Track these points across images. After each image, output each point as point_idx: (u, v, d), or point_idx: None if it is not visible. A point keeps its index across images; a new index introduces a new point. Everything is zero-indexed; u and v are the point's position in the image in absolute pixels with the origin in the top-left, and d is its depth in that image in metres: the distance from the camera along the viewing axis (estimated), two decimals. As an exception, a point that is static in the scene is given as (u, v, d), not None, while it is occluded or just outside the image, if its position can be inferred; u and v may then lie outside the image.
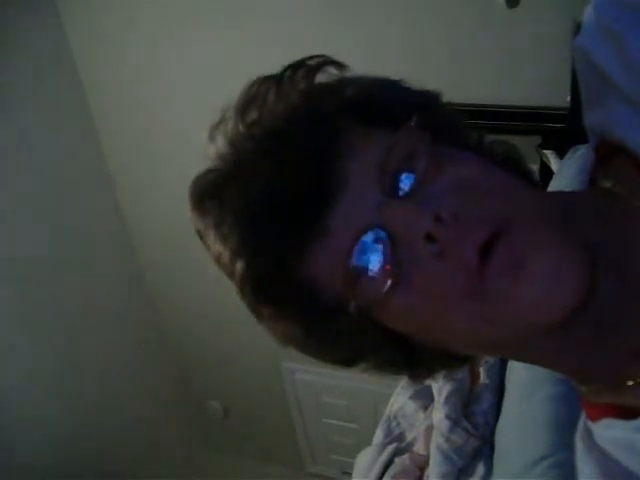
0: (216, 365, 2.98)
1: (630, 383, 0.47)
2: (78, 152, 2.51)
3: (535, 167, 1.77)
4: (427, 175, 0.45)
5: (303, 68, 0.50)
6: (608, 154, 0.52)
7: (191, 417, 3.28)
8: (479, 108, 1.81)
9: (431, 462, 1.48)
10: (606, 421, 0.48)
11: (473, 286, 0.43)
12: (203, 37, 2.15)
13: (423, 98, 0.52)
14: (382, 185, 0.45)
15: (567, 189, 1.39)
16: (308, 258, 0.46)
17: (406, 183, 0.45)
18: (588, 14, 0.51)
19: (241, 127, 0.48)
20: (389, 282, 0.44)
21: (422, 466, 1.54)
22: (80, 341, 2.54)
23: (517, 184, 0.47)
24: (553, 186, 1.55)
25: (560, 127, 1.70)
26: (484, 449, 1.45)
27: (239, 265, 0.47)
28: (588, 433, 0.49)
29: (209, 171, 0.49)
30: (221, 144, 0.48)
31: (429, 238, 0.43)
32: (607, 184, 0.50)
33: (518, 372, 1.31)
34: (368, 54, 1.92)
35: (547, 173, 1.71)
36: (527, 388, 1.22)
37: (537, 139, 1.76)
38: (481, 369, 1.57)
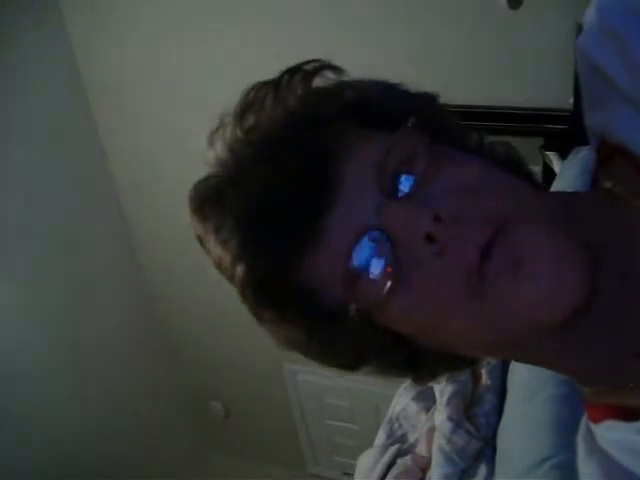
0: (218, 366, 2.99)
1: (632, 385, 0.47)
2: (79, 152, 2.52)
3: (538, 168, 1.77)
4: (426, 176, 0.45)
5: (300, 73, 0.50)
6: (609, 155, 0.52)
7: (192, 418, 3.28)
8: (482, 109, 1.81)
9: (433, 463, 1.48)
10: (608, 423, 0.47)
11: (473, 286, 0.43)
12: (203, 37, 2.15)
13: (421, 100, 0.52)
14: (381, 186, 0.45)
15: (569, 190, 1.39)
16: (308, 261, 0.46)
17: (405, 184, 0.45)
18: (590, 16, 0.51)
19: (239, 133, 0.48)
20: (389, 283, 0.44)
21: (424, 467, 1.54)
22: (81, 341, 2.55)
23: (518, 184, 0.47)
24: (555, 187, 1.55)
25: (562, 128, 1.70)
26: (486, 450, 1.45)
27: (239, 269, 0.47)
28: (590, 435, 0.49)
29: (209, 177, 0.49)
30: (220, 150, 0.49)
31: (429, 239, 0.43)
32: (608, 185, 0.50)
33: (520, 373, 1.31)
34: (369, 55, 1.92)
35: (550, 174, 1.71)
36: (529, 389, 1.22)
37: (540, 140, 1.76)
38: (483, 371, 1.57)
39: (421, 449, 1.60)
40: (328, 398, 2.78)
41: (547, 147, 1.74)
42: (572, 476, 0.51)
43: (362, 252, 0.45)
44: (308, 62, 0.51)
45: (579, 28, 0.52)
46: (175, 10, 2.14)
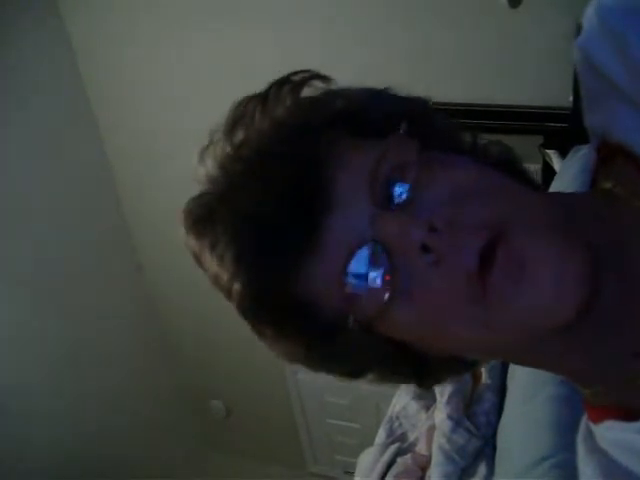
0: (218, 365, 2.98)
1: (632, 385, 0.47)
2: (79, 152, 2.52)
3: (537, 167, 1.77)
4: (419, 183, 0.44)
5: (288, 84, 0.49)
6: (610, 155, 0.52)
7: (193, 417, 3.28)
8: (481, 108, 1.81)
9: (433, 462, 1.48)
10: (608, 423, 0.47)
11: (474, 292, 0.42)
12: (204, 37, 2.15)
13: (411, 105, 0.51)
14: (374, 196, 0.44)
15: (569, 189, 1.39)
16: (303, 276, 0.45)
17: (398, 193, 0.44)
18: (589, 15, 0.51)
19: (229, 149, 0.48)
20: (387, 295, 0.44)
21: (424, 466, 1.54)
22: (81, 341, 2.54)
23: (514, 186, 0.47)
24: (555, 186, 1.55)
25: (562, 127, 1.70)
26: (486, 449, 1.45)
27: (236, 285, 0.47)
28: (590, 435, 0.49)
29: (201, 195, 0.49)
30: (211, 167, 0.48)
31: (425, 249, 0.42)
32: (608, 185, 0.50)
33: (520, 372, 1.31)
34: (368, 55, 1.93)
35: (549, 173, 1.71)
36: (529, 389, 1.22)
37: (539, 139, 1.76)
38: (483, 370, 1.57)
39: (421, 448, 1.61)
40: (329, 397, 2.78)
41: (547, 145, 1.74)
42: (572, 475, 0.51)
43: (358, 265, 0.44)
44: (296, 73, 0.50)
45: (579, 27, 0.52)
46: (175, 10, 2.14)
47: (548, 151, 1.73)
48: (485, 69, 1.81)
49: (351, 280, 0.45)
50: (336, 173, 0.45)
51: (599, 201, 0.50)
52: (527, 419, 1.19)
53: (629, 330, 0.46)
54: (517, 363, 0.59)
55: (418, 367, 0.52)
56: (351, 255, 0.44)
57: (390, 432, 1.74)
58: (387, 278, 0.44)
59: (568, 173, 1.51)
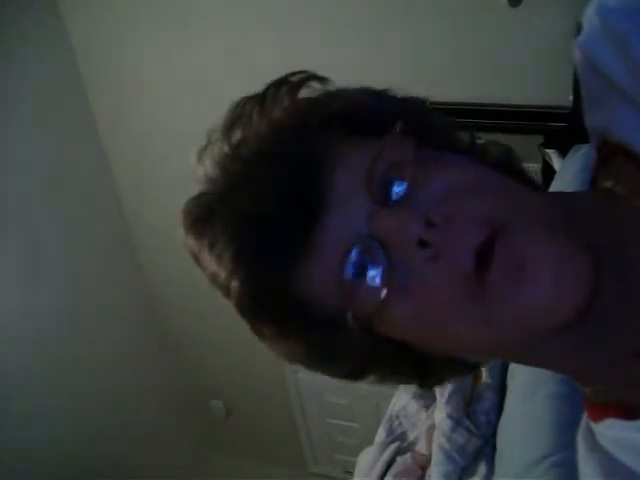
0: (218, 365, 2.98)
1: (632, 384, 0.47)
2: (79, 152, 2.52)
3: (537, 166, 1.77)
4: (416, 180, 0.44)
5: (286, 85, 0.49)
6: (610, 154, 0.52)
7: (193, 417, 3.28)
8: (481, 107, 1.81)
9: (433, 461, 1.48)
10: (608, 421, 0.47)
11: (472, 291, 0.42)
12: (203, 37, 2.15)
13: (407, 104, 0.51)
14: (371, 194, 0.45)
15: (569, 188, 1.39)
16: (302, 274, 0.45)
17: (395, 190, 0.44)
18: (590, 15, 0.50)
19: (227, 148, 0.48)
20: (385, 291, 0.44)
21: (424, 465, 1.54)
22: (81, 341, 2.54)
23: (513, 185, 0.47)
24: (555, 185, 1.55)
25: (562, 126, 1.70)
26: (486, 448, 1.45)
27: (234, 283, 0.47)
28: (590, 433, 0.49)
29: (199, 195, 0.49)
30: (209, 167, 0.49)
31: (422, 244, 0.42)
32: (608, 184, 0.50)
33: (520, 371, 1.31)
34: (368, 55, 1.93)
35: (549, 172, 1.71)
36: (529, 387, 1.22)
37: (539, 138, 1.76)
38: (483, 369, 1.57)
39: (421, 447, 1.61)
40: (328, 396, 2.78)
41: (547, 145, 1.74)
42: (572, 474, 0.51)
43: (356, 261, 0.44)
44: (294, 74, 0.50)
45: (579, 26, 0.52)
46: (175, 10, 2.14)
47: (548, 150, 1.73)
48: (485, 68, 1.81)
49: (349, 277, 0.45)
50: (333, 172, 0.45)
51: (599, 200, 0.50)
52: (527, 418, 1.19)
53: (629, 330, 0.46)
54: (517, 362, 0.59)
55: (419, 368, 0.51)
56: (348, 252, 0.44)
57: (390, 431, 1.74)
58: (384, 274, 0.44)
59: (568, 172, 1.51)
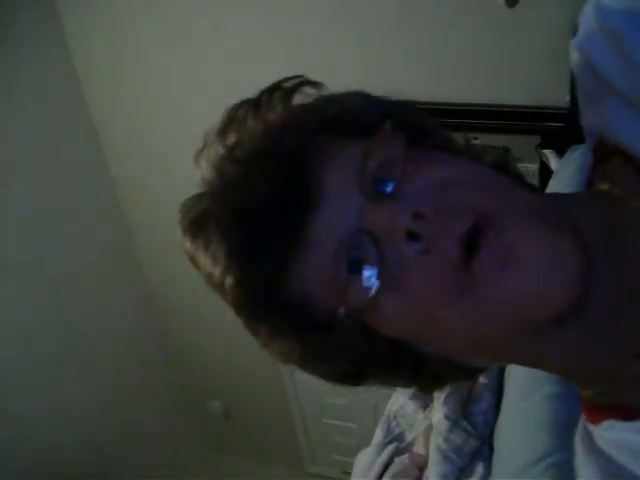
0: (216, 365, 2.98)
1: (631, 385, 0.47)
2: (78, 151, 2.51)
3: (535, 167, 1.77)
4: (406, 176, 0.45)
5: (279, 90, 0.50)
6: (606, 155, 0.52)
7: (191, 417, 3.27)
8: (478, 108, 1.81)
9: (430, 462, 1.48)
10: (607, 423, 0.47)
11: (462, 280, 0.42)
12: (201, 37, 2.15)
13: (397, 106, 0.52)
14: (362, 190, 0.45)
15: (566, 188, 1.39)
16: (294, 269, 0.46)
17: (385, 186, 0.45)
18: (587, 15, 0.50)
19: (222, 150, 0.49)
20: (376, 285, 0.44)
21: (421, 466, 1.54)
22: (81, 341, 2.54)
23: (505, 180, 0.47)
24: (552, 185, 1.55)
25: (559, 126, 1.70)
26: (483, 449, 1.45)
27: (229, 280, 0.47)
28: (588, 435, 0.49)
29: (195, 196, 0.50)
30: (205, 169, 0.49)
31: (412, 236, 0.43)
32: (604, 186, 0.50)
33: (517, 372, 1.31)
34: (367, 55, 1.93)
35: (546, 173, 1.71)
36: (526, 388, 1.22)
37: (536, 139, 1.76)
38: (480, 369, 1.56)
39: (418, 448, 1.61)
40: (326, 397, 2.78)
41: (544, 145, 1.74)
42: (569, 475, 0.51)
43: (347, 256, 0.45)
44: (287, 79, 0.51)
45: (575, 26, 0.52)
46: (173, 10, 2.13)
47: (545, 151, 1.73)
48: (482, 69, 1.81)
49: (341, 271, 0.45)
50: (325, 170, 0.46)
51: (595, 201, 0.50)
52: (524, 418, 1.19)
53: (627, 331, 0.46)
54: (515, 362, 0.59)
55: (416, 370, 0.51)
56: (340, 246, 0.45)
57: (387, 432, 1.74)
58: (375, 268, 0.44)
59: (565, 173, 1.51)
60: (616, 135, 0.50)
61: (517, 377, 1.30)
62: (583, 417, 0.50)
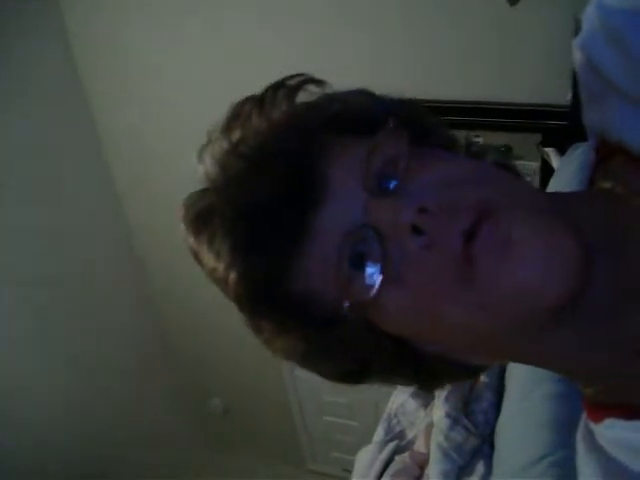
0: (216, 363, 2.99)
1: (633, 383, 0.47)
2: (79, 151, 2.51)
3: (536, 165, 1.77)
4: (410, 173, 0.45)
5: (284, 88, 0.51)
6: (609, 154, 0.52)
7: (192, 415, 3.28)
8: (480, 105, 1.81)
9: (431, 460, 1.48)
10: (608, 421, 0.47)
11: (463, 273, 0.42)
12: (203, 35, 2.15)
13: (401, 104, 0.53)
14: (366, 186, 0.45)
15: (567, 186, 1.39)
16: (299, 264, 0.46)
17: (389, 182, 0.45)
18: (590, 14, 0.50)
19: (226, 146, 0.49)
20: (380, 279, 0.44)
21: (422, 464, 1.54)
22: (80, 341, 2.54)
23: (507, 176, 0.48)
24: (553, 183, 1.55)
25: (561, 124, 1.70)
26: (484, 448, 1.45)
27: (232, 276, 0.47)
28: (589, 433, 0.49)
29: (199, 192, 0.50)
30: (209, 165, 0.49)
31: (416, 231, 0.43)
32: (607, 184, 0.50)
33: (517, 370, 1.31)
34: (368, 54, 1.92)
35: (548, 171, 1.71)
36: (526, 386, 1.22)
37: (538, 137, 1.76)
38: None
39: (419, 445, 1.61)
40: (326, 394, 2.78)
41: (545, 143, 1.74)
42: (570, 474, 0.51)
43: (351, 250, 0.45)
44: (291, 77, 0.51)
45: (577, 23, 0.52)
46: (174, 8, 2.13)
47: (546, 149, 1.73)
48: (484, 67, 1.81)
49: (344, 265, 0.45)
50: (330, 166, 0.46)
51: (596, 200, 0.50)
52: (525, 417, 1.19)
53: (628, 329, 0.46)
54: (516, 360, 0.59)
55: (417, 368, 0.51)
56: (343, 241, 0.45)
57: (388, 430, 1.74)
58: (379, 263, 0.44)
59: (566, 171, 1.51)
60: (618, 134, 0.50)
61: (518, 376, 1.31)
62: (585, 415, 0.50)
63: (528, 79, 1.76)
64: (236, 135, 0.49)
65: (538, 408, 1.14)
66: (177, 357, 3.07)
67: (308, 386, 2.78)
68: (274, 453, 3.15)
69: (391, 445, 1.66)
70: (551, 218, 0.44)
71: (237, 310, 0.51)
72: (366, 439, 1.83)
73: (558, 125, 1.71)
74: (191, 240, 0.50)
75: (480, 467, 1.41)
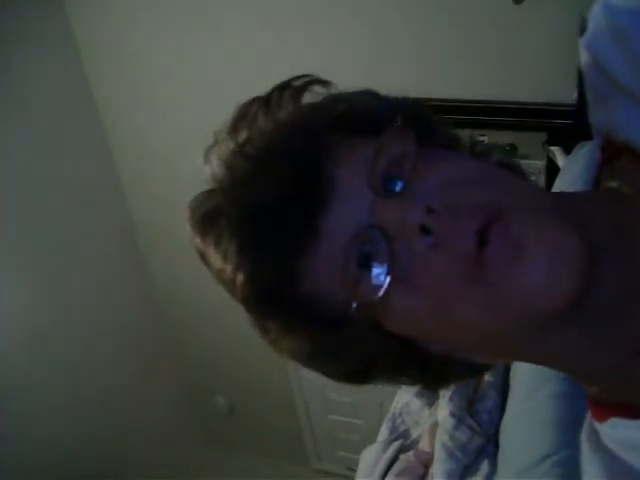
0: (221, 362, 2.99)
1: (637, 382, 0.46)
2: (83, 151, 2.51)
3: (541, 163, 1.77)
4: (417, 173, 0.45)
5: (289, 89, 0.51)
6: (615, 153, 0.51)
7: (196, 414, 3.28)
8: (485, 104, 1.81)
9: (435, 459, 1.48)
10: (613, 421, 0.47)
11: (473, 272, 0.43)
12: (207, 36, 2.15)
13: (406, 104, 0.53)
14: (373, 186, 0.46)
15: (573, 185, 1.39)
16: (306, 264, 0.46)
17: (396, 183, 0.45)
18: (596, 14, 0.50)
19: (233, 147, 0.49)
20: (387, 280, 0.44)
21: (427, 463, 1.54)
22: (82, 340, 2.54)
23: (511, 176, 0.48)
24: (559, 182, 1.55)
25: (566, 123, 1.70)
26: (488, 447, 1.45)
27: (240, 277, 0.47)
28: (594, 433, 0.49)
29: (205, 192, 0.50)
30: (216, 165, 0.49)
31: (424, 231, 0.43)
32: (613, 184, 0.50)
33: (522, 370, 1.31)
34: (375, 53, 1.92)
35: (553, 170, 1.70)
36: (531, 386, 1.22)
37: (543, 136, 1.76)
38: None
39: (424, 445, 1.61)
40: (332, 393, 2.78)
41: (551, 142, 1.74)
42: (574, 473, 0.50)
43: (359, 251, 0.45)
44: (297, 78, 0.51)
45: (583, 22, 0.52)
46: (179, 8, 2.14)
47: (552, 148, 1.73)
48: (489, 65, 1.81)
49: (352, 266, 0.45)
50: (336, 167, 0.46)
51: (602, 199, 0.50)
52: (529, 416, 1.19)
53: (630, 330, 0.46)
54: (521, 359, 0.59)
55: (423, 368, 0.51)
56: (351, 242, 0.45)
57: (393, 429, 1.74)
58: (387, 263, 0.44)
59: (572, 170, 1.51)
60: (625, 133, 0.50)
61: (522, 375, 1.30)
62: (589, 415, 0.50)
63: (533, 78, 1.75)
64: (242, 136, 0.49)
65: (542, 407, 1.14)
66: (180, 355, 3.07)
67: (313, 384, 2.78)
68: (279, 452, 3.15)
69: (395, 444, 1.66)
70: (555, 218, 0.44)
71: (243, 310, 0.51)
72: (371, 438, 1.83)
73: (564, 124, 1.71)
74: (198, 241, 0.50)
75: (485, 466, 1.41)
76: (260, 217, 0.46)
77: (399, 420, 1.75)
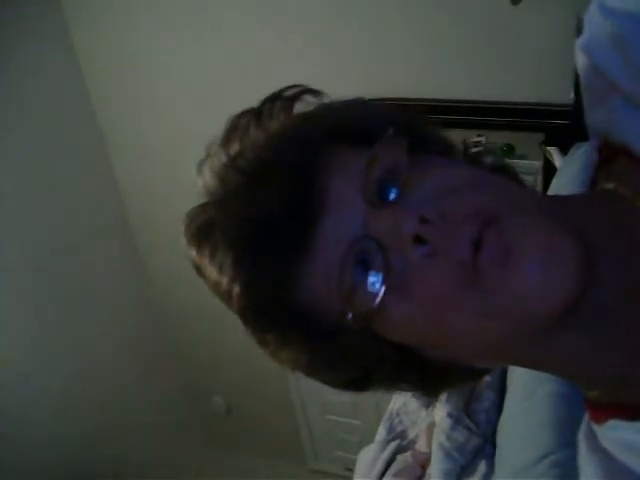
0: (219, 362, 2.99)
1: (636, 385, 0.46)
2: (81, 153, 2.51)
3: (538, 164, 1.77)
4: (410, 182, 0.45)
5: (281, 100, 0.51)
6: (612, 155, 0.51)
7: (194, 414, 3.28)
8: (482, 105, 1.81)
9: (433, 460, 1.48)
10: (611, 422, 0.47)
11: (469, 279, 0.43)
12: (206, 37, 2.15)
13: (398, 113, 0.53)
14: (366, 197, 0.45)
15: (570, 186, 1.39)
16: (301, 276, 0.46)
17: (390, 192, 0.45)
18: (592, 16, 0.50)
19: (225, 160, 0.49)
20: (383, 289, 0.44)
21: (424, 464, 1.54)
22: (81, 341, 2.54)
23: (505, 182, 0.48)
24: (556, 183, 1.55)
25: (563, 124, 1.70)
26: (486, 447, 1.45)
27: (236, 288, 0.47)
28: (592, 434, 0.49)
29: (199, 206, 0.50)
30: (208, 179, 0.50)
31: (418, 240, 0.43)
32: (610, 185, 0.50)
33: (520, 370, 1.31)
34: (374, 53, 1.92)
35: (550, 170, 1.71)
36: (528, 386, 1.22)
37: (540, 136, 1.76)
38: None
39: (421, 445, 1.61)
40: (329, 393, 2.78)
41: (548, 142, 1.74)
42: (571, 473, 0.51)
43: (353, 262, 0.45)
44: (288, 88, 0.51)
45: (580, 23, 0.52)
46: (178, 10, 2.14)
47: (549, 148, 1.73)
48: (486, 66, 1.81)
49: (347, 278, 0.45)
50: (330, 178, 0.46)
51: (599, 201, 0.50)
52: (526, 417, 1.19)
53: (628, 331, 0.46)
54: (518, 364, 0.59)
55: (421, 374, 0.51)
56: (346, 253, 0.45)
57: (390, 429, 1.74)
58: (381, 273, 0.44)
59: (569, 170, 1.51)
60: (621, 135, 0.50)
61: (520, 375, 1.30)
62: (587, 416, 0.50)
63: (530, 78, 1.75)
64: (234, 148, 0.49)
65: (540, 407, 1.14)
66: (178, 355, 3.07)
67: (311, 384, 2.77)
68: (276, 452, 3.15)
69: (393, 444, 1.66)
70: (549, 221, 0.44)
71: (242, 323, 0.50)
72: (368, 438, 1.83)
73: (561, 124, 1.71)
74: (193, 254, 0.50)
75: (482, 467, 1.41)
76: (254, 230, 0.46)
77: (396, 420, 1.75)
